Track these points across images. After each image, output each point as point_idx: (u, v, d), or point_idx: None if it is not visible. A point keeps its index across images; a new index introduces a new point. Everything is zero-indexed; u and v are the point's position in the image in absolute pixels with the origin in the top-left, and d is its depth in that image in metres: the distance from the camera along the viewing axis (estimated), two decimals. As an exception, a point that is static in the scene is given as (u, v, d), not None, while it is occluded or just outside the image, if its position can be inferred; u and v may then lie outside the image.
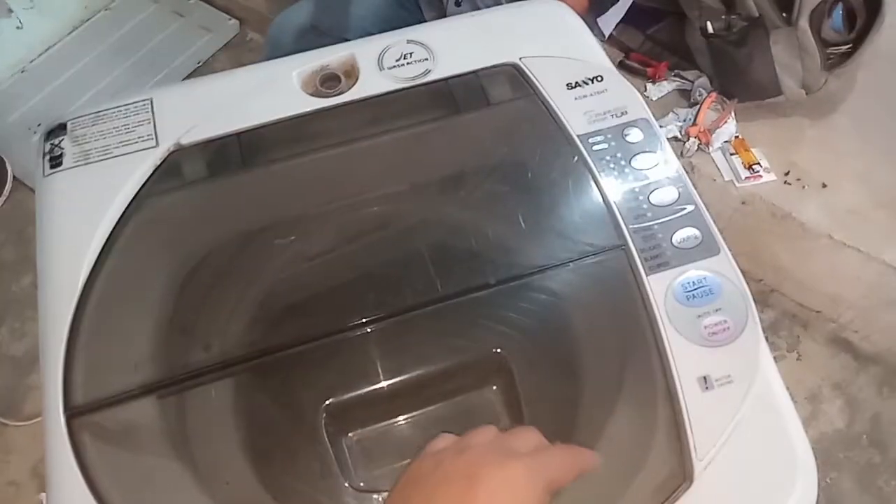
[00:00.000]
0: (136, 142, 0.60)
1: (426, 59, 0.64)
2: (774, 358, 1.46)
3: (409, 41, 0.66)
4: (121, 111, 0.62)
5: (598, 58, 0.65)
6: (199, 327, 0.54)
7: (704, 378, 0.51)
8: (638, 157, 0.59)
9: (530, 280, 0.54)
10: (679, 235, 0.56)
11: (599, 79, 0.63)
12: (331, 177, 0.59)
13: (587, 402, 0.50)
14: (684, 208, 0.57)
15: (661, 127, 1.42)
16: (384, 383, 0.51)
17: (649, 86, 1.49)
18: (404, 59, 0.64)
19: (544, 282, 0.54)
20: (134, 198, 0.57)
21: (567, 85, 0.62)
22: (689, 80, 1.48)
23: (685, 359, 0.51)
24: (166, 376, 0.50)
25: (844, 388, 1.42)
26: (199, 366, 0.51)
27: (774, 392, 0.52)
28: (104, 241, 0.54)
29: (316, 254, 0.57)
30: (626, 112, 0.61)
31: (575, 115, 0.61)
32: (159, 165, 0.58)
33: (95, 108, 0.62)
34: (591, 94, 0.62)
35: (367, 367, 0.51)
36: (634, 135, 0.60)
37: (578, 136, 0.60)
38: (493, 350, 0.51)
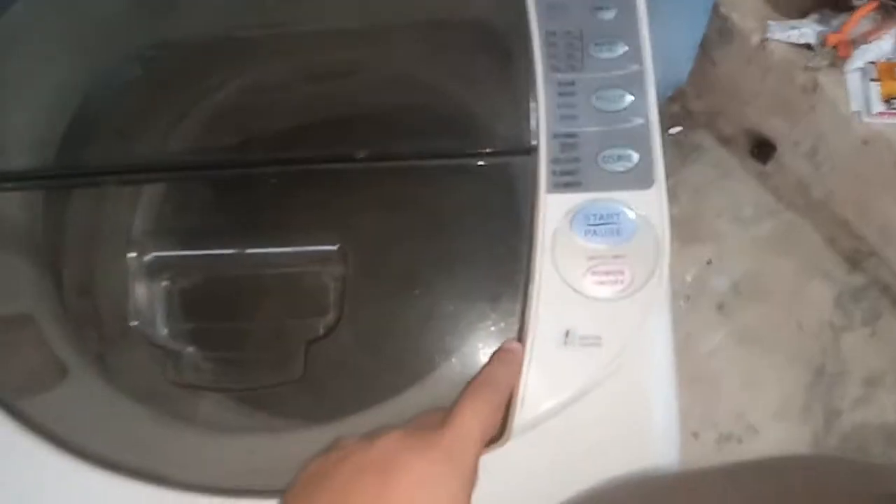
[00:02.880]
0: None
1: None
2: (842, 328, 1.27)
3: None
4: None
5: None
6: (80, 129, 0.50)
7: (567, 332, 0.41)
8: (600, 42, 0.45)
9: (405, 165, 0.45)
10: (609, 153, 0.44)
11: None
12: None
13: (423, 324, 0.43)
14: (631, 121, 0.44)
15: (793, 29, 1.16)
16: (218, 242, 0.45)
17: (798, -27, 1.20)
18: None
19: (422, 172, 0.45)
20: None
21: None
22: (852, -25, 1.18)
23: (553, 302, 0.42)
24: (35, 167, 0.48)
25: (916, 383, 1.22)
26: (63, 166, 0.48)
27: (653, 374, 0.42)
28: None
29: (214, 81, 0.51)
30: (611, -21, 0.47)
31: (544, -28, 0.47)
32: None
33: None
34: (578, -52, 0.47)
35: (205, 215, 0.46)
36: (607, 12, 0.46)
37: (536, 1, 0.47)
38: (334, 241, 0.44)
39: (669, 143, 1.38)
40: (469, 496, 0.34)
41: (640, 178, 0.43)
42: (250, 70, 0.50)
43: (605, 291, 0.42)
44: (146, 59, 0.52)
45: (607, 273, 0.42)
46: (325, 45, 0.51)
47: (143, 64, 0.51)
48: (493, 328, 0.43)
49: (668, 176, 0.43)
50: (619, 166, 0.43)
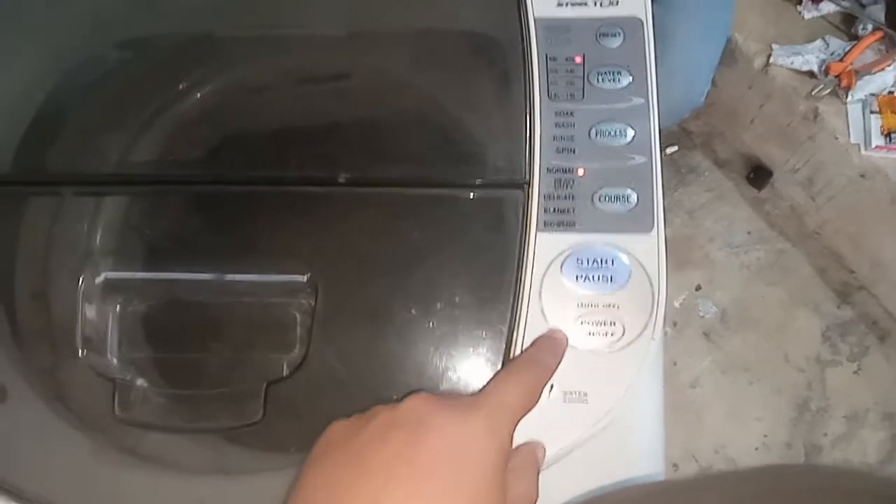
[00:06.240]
0: None
1: None
2: (828, 363, 1.25)
3: None
4: None
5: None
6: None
7: (550, 386, 0.38)
8: (603, 70, 0.42)
9: (388, 192, 0.41)
10: (607, 192, 0.40)
11: (605, -52, 0.44)
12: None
13: (397, 368, 0.39)
14: (633, 158, 0.41)
15: (797, 55, 1.14)
16: (178, 264, 0.41)
17: (805, 0, 1.18)
18: None
19: (404, 200, 0.41)
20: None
21: (557, -54, 0.44)
22: (859, 4, 1.16)
23: (538, 353, 0.38)
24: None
25: (898, 422, 1.21)
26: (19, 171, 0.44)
27: (641, 436, 0.39)
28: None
29: (187, 85, 0.47)
30: (618, 2, 0.44)
31: (547, -10, 0.44)
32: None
33: None
34: (583, -33, 0.44)
35: (166, 234, 0.42)
36: (613, 39, 0.43)
37: (537, 19, 0.43)
38: (304, 271, 0.40)
39: (665, 163, 1.36)
40: (504, 470, 0.31)
41: (638, 222, 0.40)
42: (226, 76, 0.46)
43: (595, 344, 0.38)
44: (116, 60, 0.48)
45: (598, 324, 0.38)
46: (310, 52, 0.47)
47: (113, 65, 0.47)
48: (471, 376, 0.39)
49: (664, 184, 0.41)
50: (617, 207, 0.40)
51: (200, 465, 0.40)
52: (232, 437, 0.39)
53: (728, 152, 1.37)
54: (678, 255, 1.29)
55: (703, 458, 1.15)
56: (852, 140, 1.10)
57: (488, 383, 0.36)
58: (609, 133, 0.41)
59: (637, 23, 0.43)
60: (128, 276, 0.41)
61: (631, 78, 0.42)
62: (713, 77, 1.31)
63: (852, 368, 1.21)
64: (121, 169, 0.44)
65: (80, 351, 0.40)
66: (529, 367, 0.36)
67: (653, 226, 0.40)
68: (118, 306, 0.41)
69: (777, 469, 0.35)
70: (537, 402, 0.35)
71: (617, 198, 0.40)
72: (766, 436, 1.17)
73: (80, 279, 0.41)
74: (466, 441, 0.30)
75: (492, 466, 0.30)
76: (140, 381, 0.40)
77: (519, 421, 0.34)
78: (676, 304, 1.26)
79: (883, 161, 1.08)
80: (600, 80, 0.42)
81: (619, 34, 0.43)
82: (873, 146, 1.08)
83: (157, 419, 0.39)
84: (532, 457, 0.35)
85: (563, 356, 0.38)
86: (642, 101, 0.41)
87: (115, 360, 0.41)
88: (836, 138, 1.12)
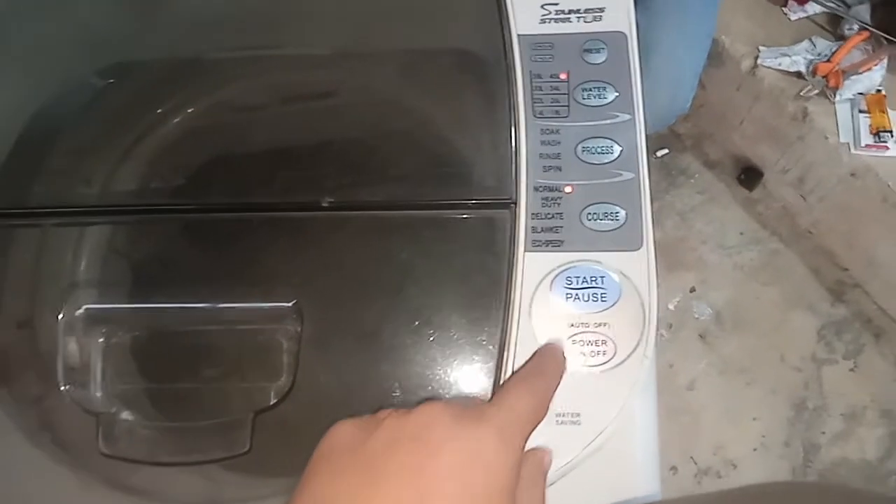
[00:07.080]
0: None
1: None
2: (824, 361, 1.25)
3: None
4: None
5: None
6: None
7: (543, 407, 0.37)
8: (588, 86, 0.42)
9: (373, 215, 0.41)
10: (595, 209, 0.40)
11: (587, -38, 0.44)
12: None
13: (386, 394, 0.39)
14: (620, 175, 0.40)
15: (784, 56, 1.14)
16: (160, 294, 0.41)
17: (791, 1, 1.18)
18: None
19: (390, 223, 0.41)
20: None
21: (538, -39, 0.44)
22: (844, 4, 1.16)
23: (529, 374, 0.37)
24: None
25: (895, 419, 1.21)
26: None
27: (635, 456, 0.38)
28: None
29: (168, 110, 0.46)
30: (602, 17, 0.43)
31: (528, 6, 0.43)
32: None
33: None
34: (565, -18, 0.44)
35: (146, 264, 0.42)
36: (597, 54, 0.42)
37: (520, 36, 0.43)
38: (289, 297, 0.39)
39: (656, 165, 1.36)
40: (516, 483, 0.30)
41: (627, 239, 0.39)
42: (207, 102, 0.45)
43: (587, 363, 0.38)
44: (97, 87, 0.47)
45: (589, 343, 0.38)
46: (292, 73, 0.47)
47: (94, 92, 0.47)
48: (462, 400, 0.39)
49: (653, 199, 0.40)
50: (605, 225, 0.40)
51: (189, 496, 0.40)
52: (221, 466, 0.39)
53: (718, 154, 1.37)
54: (671, 257, 1.28)
55: (701, 460, 1.15)
56: (842, 139, 1.10)
57: (498, 393, 0.35)
58: (595, 150, 0.41)
59: (621, 37, 0.43)
60: (108, 307, 0.40)
61: (616, 93, 0.41)
62: (700, 80, 1.31)
63: (848, 366, 1.21)
64: (102, 198, 0.43)
65: (62, 385, 0.39)
66: (538, 376, 0.36)
67: (642, 242, 0.39)
68: (101, 338, 0.40)
69: (786, 486, 0.35)
70: (547, 412, 0.35)
71: (605, 215, 0.40)
72: (764, 436, 1.17)
73: (61, 312, 0.40)
74: (479, 456, 0.29)
75: (504, 481, 0.30)
76: (124, 415, 0.39)
77: (531, 433, 0.33)
78: (671, 307, 1.26)
79: (873, 160, 1.08)
80: (585, 96, 0.42)
81: (604, 49, 0.42)
82: (863, 145, 1.08)
83: (143, 453, 0.38)
84: (540, 464, 0.35)
85: (565, 366, 0.37)
86: (628, 116, 0.41)
87: (98, 394, 0.40)
88: (826, 138, 1.12)
